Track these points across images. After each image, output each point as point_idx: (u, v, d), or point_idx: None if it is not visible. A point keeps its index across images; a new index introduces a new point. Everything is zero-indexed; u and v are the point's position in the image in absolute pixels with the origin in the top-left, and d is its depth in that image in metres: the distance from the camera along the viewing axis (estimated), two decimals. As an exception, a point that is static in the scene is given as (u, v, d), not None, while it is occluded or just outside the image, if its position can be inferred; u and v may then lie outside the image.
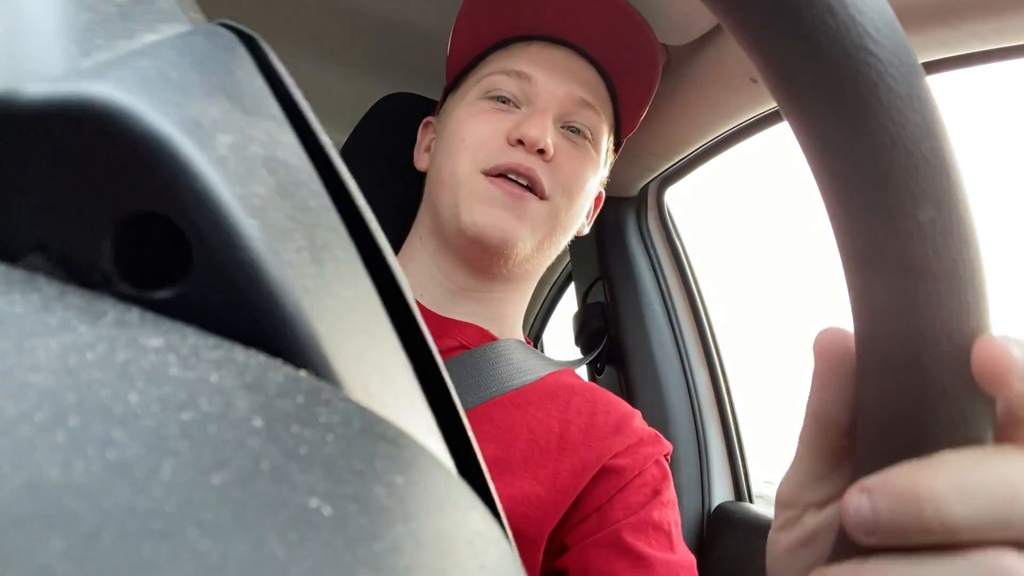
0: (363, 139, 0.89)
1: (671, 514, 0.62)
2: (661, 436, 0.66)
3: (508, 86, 0.67)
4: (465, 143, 0.65)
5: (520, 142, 0.63)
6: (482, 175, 0.63)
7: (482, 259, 0.64)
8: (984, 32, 0.60)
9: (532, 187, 0.63)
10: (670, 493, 0.63)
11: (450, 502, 0.11)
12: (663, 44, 0.80)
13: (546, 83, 0.66)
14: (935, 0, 0.59)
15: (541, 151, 0.63)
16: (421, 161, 0.75)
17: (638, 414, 0.67)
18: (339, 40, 1.00)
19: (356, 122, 0.90)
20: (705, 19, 0.73)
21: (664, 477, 0.63)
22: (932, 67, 0.66)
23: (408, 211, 0.76)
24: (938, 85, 0.67)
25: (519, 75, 0.66)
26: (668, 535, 0.60)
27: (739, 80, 0.77)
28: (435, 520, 0.10)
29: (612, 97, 0.72)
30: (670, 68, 0.83)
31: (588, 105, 0.67)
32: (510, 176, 0.63)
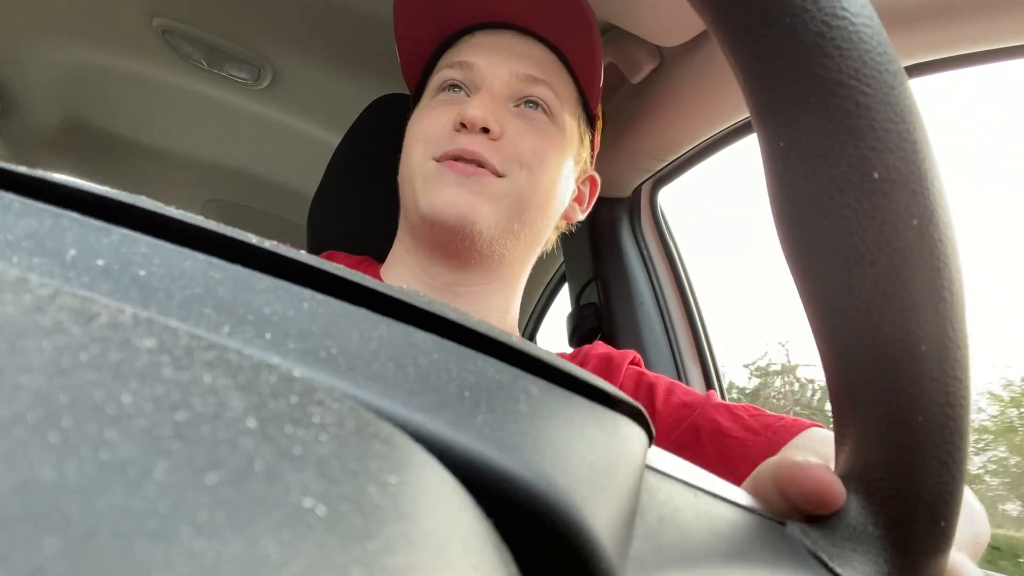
0: (357, 140, 0.89)
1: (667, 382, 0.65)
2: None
3: (455, 77, 0.67)
4: (416, 137, 0.66)
5: (464, 126, 0.63)
6: (432, 161, 0.63)
7: (449, 243, 0.64)
8: (976, 34, 0.60)
9: (483, 167, 0.63)
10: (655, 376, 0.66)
11: (444, 502, 0.11)
12: (656, 46, 0.81)
13: (488, 66, 0.66)
14: (927, 3, 0.59)
15: (486, 131, 0.62)
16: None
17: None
18: (333, 41, 1.00)
19: (350, 123, 0.90)
20: (697, 21, 0.73)
21: (643, 372, 0.67)
22: (925, 68, 0.66)
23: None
24: (932, 86, 0.68)
25: (462, 65, 0.67)
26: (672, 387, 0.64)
27: (732, 81, 0.77)
28: (429, 520, 0.10)
29: (571, 71, 0.71)
30: (663, 69, 0.84)
31: (536, 80, 0.67)
32: (459, 161, 0.63)
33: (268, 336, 0.13)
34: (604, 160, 0.79)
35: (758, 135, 0.23)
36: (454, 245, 0.64)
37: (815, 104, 0.20)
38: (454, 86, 0.67)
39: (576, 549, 0.13)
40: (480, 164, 0.62)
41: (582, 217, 0.77)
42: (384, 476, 0.10)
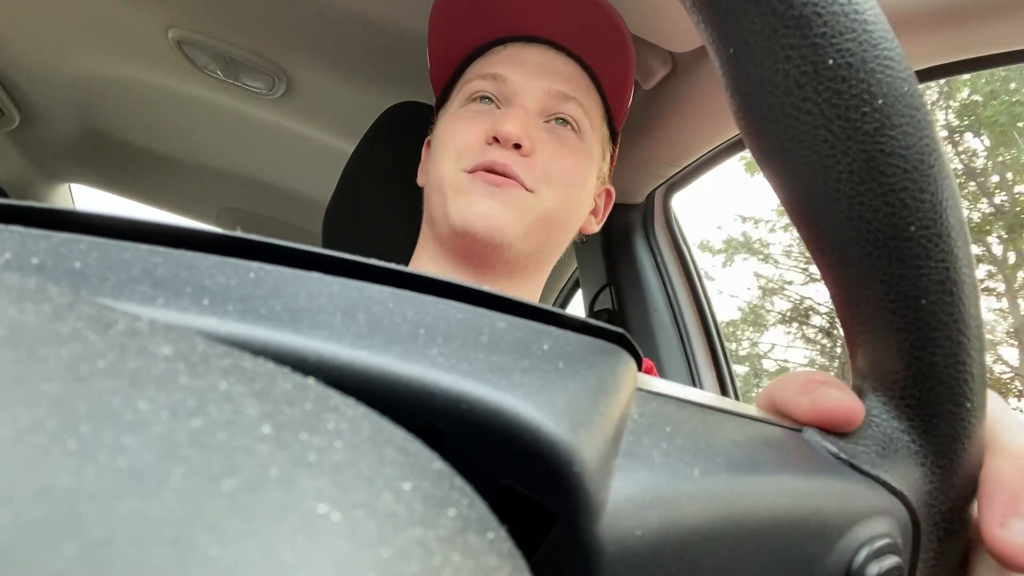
0: (372, 148, 0.89)
1: None
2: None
3: (487, 88, 0.68)
4: (447, 148, 0.66)
5: (496, 140, 0.63)
6: (464, 173, 0.64)
7: (478, 253, 0.64)
8: (994, 36, 0.60)
9: (513, 180, 0.63)
10: None
11: (458, 509, 0.11)
12: (668, 51, 0.80)
13: (520, 81, 0.66)
14: (946, 6, 0.59)
15: (518, 146, 0.63)
16: (420, 177, 0.76)
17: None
18: (348, 49, 1.01)
19: (364, 131, 0.90)
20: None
21: None
22: (943, 70, 0.66)
23: (417, 220, 0.76)
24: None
25: (494, 78, 0.67)
26: None
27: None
28: (444, 526, 0.10)
29: (598, 88, 0.71)
30: (676, 75, 0.83)
31: (567, 97, 0.67)
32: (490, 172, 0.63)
33: (205, 302, 0.13)
34: (617, 166, 0.79)
35: (710, 51, 0.22)
36: (483, 256, 0.64)
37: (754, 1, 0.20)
38: (485, 97, 0.68)
39: (545, 463, 0.13)
40: (512, 176, 0.62)
41: (596, 229, 0.77)
42: (398, 483, 0.10)
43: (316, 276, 0.15)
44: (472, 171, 0.63)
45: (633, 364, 0.19)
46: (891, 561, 0.21)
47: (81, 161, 1.56)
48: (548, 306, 0.18)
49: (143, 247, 0.14)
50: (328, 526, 0.08)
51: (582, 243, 0.79)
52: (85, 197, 1.76)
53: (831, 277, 0.23)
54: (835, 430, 0.24)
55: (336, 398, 0.11)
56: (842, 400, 0.24)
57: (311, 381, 0.11)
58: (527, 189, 0.63)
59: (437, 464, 0.11)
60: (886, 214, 0.21)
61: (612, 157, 0.76)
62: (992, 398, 0.25)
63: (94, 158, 1.54)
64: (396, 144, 0.87)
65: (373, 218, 0.87)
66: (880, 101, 0.20)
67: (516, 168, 0.62)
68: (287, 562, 0.08)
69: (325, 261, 0.16)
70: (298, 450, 0.09)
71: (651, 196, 1.05)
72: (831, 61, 0.19)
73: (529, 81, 0.66)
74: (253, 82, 1.14)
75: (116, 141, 1.47)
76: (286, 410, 0.10)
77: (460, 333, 0.15)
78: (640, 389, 0.20)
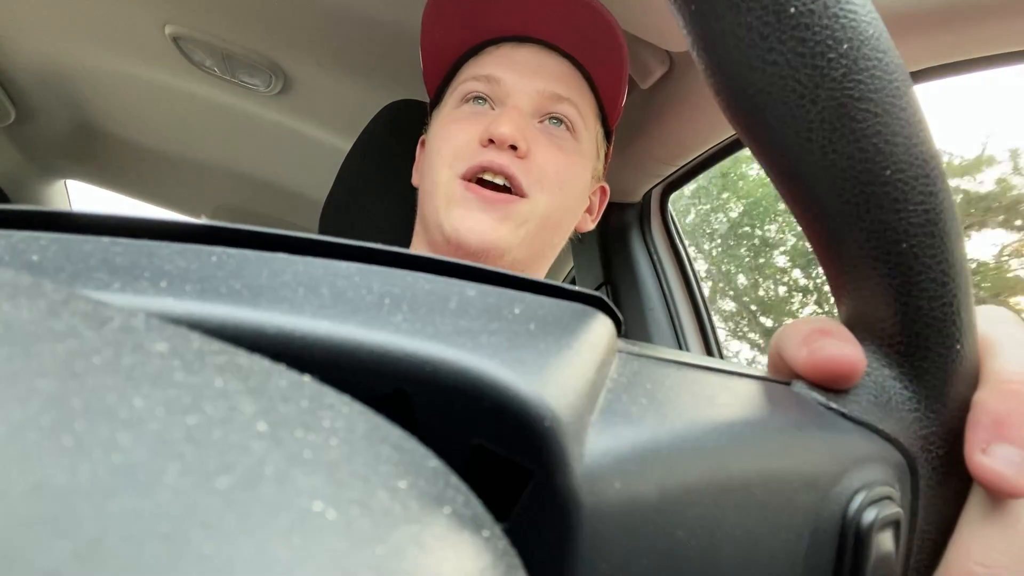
0: (368, 146, 0.89)
1: None
2: None
3: (481, 89, 0.67)
4: (442, 152, 0.65)
5: (492, 142, 0.62)
6: (459, 181, 0.63)
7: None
8: (986, 38, 0.60)
9: (510, 185, 0.62)
10: None
11: (453, 507, 0.11)
12: (665, 51, 0.80)
13: (515, 82, 0.66)
14: (938, 7, 0.59)
15: (513, 147, 0.62)
16: (415, 177, 0.76)
17: None
18: (345, 46, 1.01)
19: (361, 128, 0.90)
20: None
21: None
22: (935, 72, 0.66)
23: (413, 219, 0.76)
24: (941, 89, 0.67)
25: (488, 79, 0.67)
26: None
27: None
28: (439, 524, 0.10)
29: (592, 87, 0.71)
30: (673, 74, 0.83)
31: (560, 98, 0.67)
32: (486, 177, 0.62)
33: (163, 284, 0.13)
34: (614, 165, 0.79)
35: (672, 10, 0.22)
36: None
37: None
38: (478, 98, 0.67)
39: (515, 419, 0.13)
40: (508, 177, 0.62)
41: (591, 226, 0.77)
42: (394, 481, 0.10)
43: (282, 256, 0.15)
44: (467, 176, 0.63)
45: (610, 324, 0.19)
46: (888, 507, 0.21)
47: (77, 157, 1.56)
48: (521, 274, 0.18)
49: (105, 239, 0.14)
50: (323, 524, 0.08)
51: (579, 242, 0.79)
52: (81, 193, 1.75)
53: (811, 229, 0.23)
54: (834, 385, 0.23)
55: (331, 395, 0.11)
56: (841, 351, 0.23)
57: (307, 378, 0.11)
58: (522, 194, 0.63)
59: (432, 462, 0.11)
60: (860, 160, 0.20)
61: (607, 155, 0.76)
62: (990, 318, 0.24)
63: (90, 154, 1.54)
64: (393, 142, 0.87)
65: (369, 216, 0.87)
66: (845, 46, 0.19)
67: (513, 169, 0.62)
68: (282, 560, 0.08)
69: (293, 243, 0.16)
70: (293, 447, 0.09)
71: (648, 195, 1.05)
72: (792, 9, 0.19)
73: (522, 82, 0.66)
74: (250, 79, 1.13)
75: (112, 137, 1.47)
76: (281, 407, 0.10)
77: (427, 301, 0.15)
78: (621, 352, 0.20)
